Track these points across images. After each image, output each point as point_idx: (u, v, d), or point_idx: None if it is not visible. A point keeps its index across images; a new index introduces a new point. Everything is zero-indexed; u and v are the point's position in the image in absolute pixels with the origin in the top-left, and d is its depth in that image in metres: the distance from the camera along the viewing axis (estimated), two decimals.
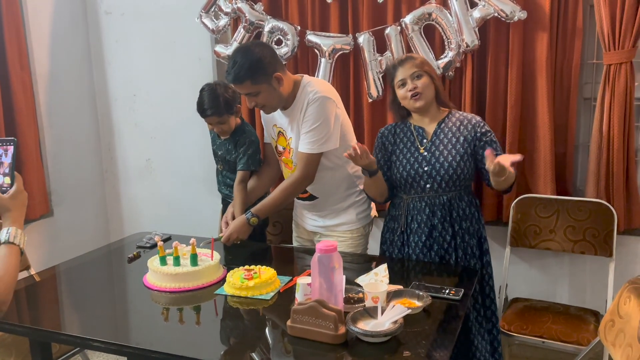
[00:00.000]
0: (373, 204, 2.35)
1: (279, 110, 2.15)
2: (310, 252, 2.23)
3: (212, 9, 2.92)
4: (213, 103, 2.22)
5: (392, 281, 1.80)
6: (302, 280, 1.62)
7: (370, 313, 1.53)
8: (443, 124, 2.08)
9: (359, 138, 2.81)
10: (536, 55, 2.46)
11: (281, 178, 2.33)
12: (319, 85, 2.10)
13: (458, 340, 2.01)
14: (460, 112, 2.12)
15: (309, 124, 2.05)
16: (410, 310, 1.50)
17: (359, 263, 2.13)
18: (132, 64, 3.34)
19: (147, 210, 3.53)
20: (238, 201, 2.27)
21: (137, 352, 1.48)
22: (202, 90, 2.28)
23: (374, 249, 2.76)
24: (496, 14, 2.40)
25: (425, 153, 2.04)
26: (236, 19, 2.88)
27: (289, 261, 2.27)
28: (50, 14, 3.15)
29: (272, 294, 1.77)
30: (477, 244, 2.08)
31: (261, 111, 2.28)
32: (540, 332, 2.24)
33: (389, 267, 2.13)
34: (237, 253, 2.22)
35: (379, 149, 2.17)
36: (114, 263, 2.25)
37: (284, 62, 2.81)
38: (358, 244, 2.26)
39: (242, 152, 2.32)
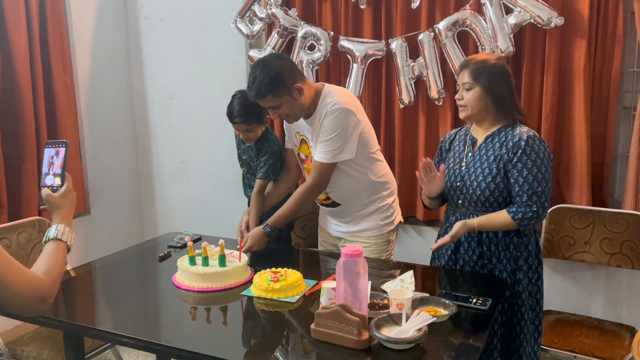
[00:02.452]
0: (399, 210, 2.34)
1: (302, 119, 2.17)
2: (336, 256, 2.24)
3: (247, 15, 2.97)
4: (243, 111, 2.24)
5: (420, 288, 1.79)
6: (327, 285, 1.62)
7: (395, 320, 1.52)
8: (490, 139, 1.95)
9: (390, 145, 2.82)
10: (574, 63, 2.40)
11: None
12: (338, 95, 2.10)
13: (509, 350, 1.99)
14: (518, 128, 1.91)
15: (325, 134, 2.07)
16: (434, 319, 1.49)
17: (383, 269, 2.12)
18: (169, 68, 3.42)
19: (180, 211, 3.60)
20: (254, 212, 2.31)
21: (164, 350, 1.52)
22: (234, 97, 2.30)
23: (401, 255, 2.75)
24: (532, 21, 2.36)
25: (464, 168, 1.99)
26: (270, 24, 2.92)
27: (315, 265, 2.28)
28: (93, 19, 3.26)
29: (298, 297, 1.78)
30: (510, 271, 1.97)
31: (284, 121, 2.32)
32: (572, 347, 2.18)
33: (417, 275, 2.13)
34: (264, 255, 2.24)
35: (437, 153, 2.17)
36: (146, 261, 2.30)
37: (316, 68, 2.84)
38: (382, 250, 2.25)
39: (263, 161, 2.33)
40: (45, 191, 1.40)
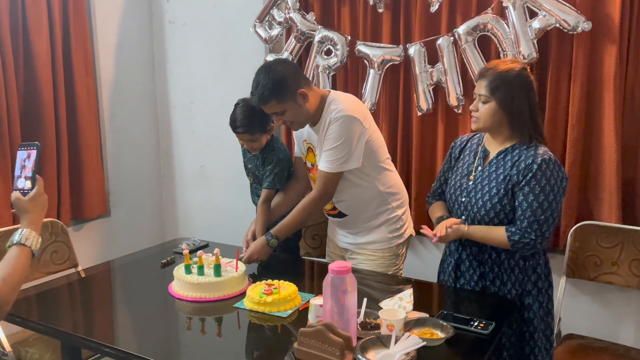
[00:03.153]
0: (410, 222, 2.24)
1: (308, 126, 2.10)
2: None
3: (266, 19, 2.93)
4: (246, 121, 2.18)
5: (422, 307, 1.69)
6: (315, 301, 1.55)
7: (384, 342, 1.43)
8: (502, 155, 1.82)
9: (408, 154, 2.71)
10: (603, 70, 2.24)
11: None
12: (343, 102, 2.02)
13: None
14: (534, 148, 1.76)
15: (330, 143, 1.99)
16: (424, 343, 1.39)
17: (389, 284, 2.03)
18: (191, 72, 3.42)
19: (200, 215, 3.59)
20: (260, 221, 2.24)
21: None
22: (236, 105, 2.23)
23: (418, 268, 2.63)
24: (558, 25, 2.22)
25: (471, 182, 1.87)
26: (289, 28, 2.87)
27: (320, 277, 2.19)
28: (118, 23, 3.29)
29: (291, 311, 1.71)
30: (516, 296, 1.84)
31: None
32: None
33: (424, 291, 2.02)
34: (269, 265, 2.19)
35: (446, 159, 2.06)
36: (150, 267, 2.26)
37: (332, 73, 2.77)
38: (389, 264, 2.15)
39: (268, 171, 2.26)
40: (14, 194, 1.38)
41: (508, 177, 1.78)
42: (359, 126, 1.99)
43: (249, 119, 2.17)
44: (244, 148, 2.38)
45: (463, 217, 1.87)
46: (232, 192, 3.42)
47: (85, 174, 3.07)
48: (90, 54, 3.08)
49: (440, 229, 1.79)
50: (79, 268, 2.58)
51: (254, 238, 2.22)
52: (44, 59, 2.78)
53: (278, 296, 1.72)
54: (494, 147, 1.87)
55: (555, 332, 2.28)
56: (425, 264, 2.82)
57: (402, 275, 2.21)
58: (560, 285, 2.34)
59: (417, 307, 1.71)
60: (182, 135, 3.55)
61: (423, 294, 1.99)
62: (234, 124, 2.21)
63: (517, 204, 1.76)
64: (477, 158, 1.91)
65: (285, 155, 2.31)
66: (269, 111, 2.03)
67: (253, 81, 2.00)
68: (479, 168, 1.88)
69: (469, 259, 1.88)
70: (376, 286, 2.01)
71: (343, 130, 1.97)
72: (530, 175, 1.73)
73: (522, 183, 1.74)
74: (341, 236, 2.24)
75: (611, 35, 2.19)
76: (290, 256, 2.39)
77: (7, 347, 2.15)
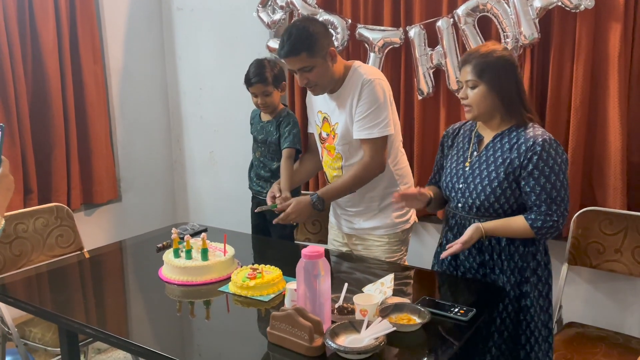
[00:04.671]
0: (414, 210, 2.20)
1: (325, 95, 2.08)
2: (344, 256, 2.15)
3: (269, 3, 2.92)
4: (259, 71, 2.28)
5: (413, 294, 1.70)
6: (290, 286, 1.55)
7: (356, 326, 1.42)
8: (498, 139, 1.78)
9: (409, 138, 2.67)
10: (608, 50, 2.16)
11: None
12: (371, 69, 2.05)
13: None
14: (532, 129, 1.74)
15: (366, 107, 1.96)
16: (394, 328, 1.37)
17: (391, 272, 2.00)
18: (199, 59, 3.44)
19: (209, 201, 3.63)
20: (285, 176, 2.21)
21: (117, 342, 1.51)
22: (250, 64, 2.36)
23: (422, 254, 2.60)
24: (560, 3, 2.14)
25: (467, 168, 1.83)
26: (291, 12, 2.85)
27: None
28: (126, 10, 3.33)
29: (273, 295, 1.72)
30: (515, 283, 1.79)
31: (306, 100, 2.26)
32: None
33: (415, 277, 2.00)
34: (264, 251, 2.20)
35: (439, 149, 2.03)
36: (147, 251, 2.29)
37: None
38: (395, 250, 2.12)
39: (287, 131, 2.30)
40: None
41: (508, 160, 1.74)
42: (389, 91, 2.00)
43: (261, 69, 2.29)
44: (255, 119, 2.45)
45: (460, 205, 1.83)
46: (241, 177, 3.43)
47: (95, 160, 3.14)
48: (99, 42, 3.12)
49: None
50: (84, 248, 2.64)
51: (279, 192, 2.16)
52: (50, 47, 2.84)
53: (261, 280, 1.72)
54: (488, 132, 1.83)
55: (555, 320, 2.24)
56: (429, 250, 2.78)
57: (405, 262, 2.19)
58: (562, 273, 2.29)
59: (406, 293, 1.70)
60: (192, 121, 3.58)
61: (418, 281, 1.97)
62: (247, 77, 2.32)
63: (528, 190, 1.71)
64: (471, 144, 1.86)
65: (298, 122, 2.38)
66: (297, 65, 1.96)
67: (282, 36, 1.96)
68: (475, 154, 1.84)
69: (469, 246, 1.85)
70: (378, 272, 1.97)
71: (379, 93, 1.96)
72: (535, 157, 1.69)
73: (529, 167, 1.69)
74: (345, 221, 2.19)
75: (615, 13, 2.11)
76: (286, 242, 2.39)
77: (12, 327, 2.23)
